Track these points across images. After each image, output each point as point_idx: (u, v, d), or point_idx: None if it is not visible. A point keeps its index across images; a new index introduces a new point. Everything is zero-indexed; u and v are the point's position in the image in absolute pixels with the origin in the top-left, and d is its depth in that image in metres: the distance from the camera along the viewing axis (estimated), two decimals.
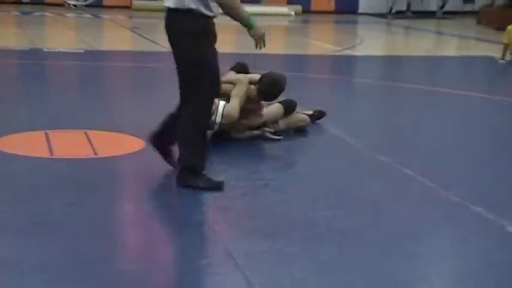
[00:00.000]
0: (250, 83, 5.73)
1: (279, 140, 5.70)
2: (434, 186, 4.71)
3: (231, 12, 4.36)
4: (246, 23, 4.40)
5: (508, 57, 11.15)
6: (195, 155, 4.44)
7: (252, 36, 4.44)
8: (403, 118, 7.01)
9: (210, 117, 4.80)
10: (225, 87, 5.40)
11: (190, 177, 4.44)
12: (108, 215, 4.11)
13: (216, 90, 4.52)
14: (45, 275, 3.23)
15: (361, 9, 19.91)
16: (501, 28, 13.43)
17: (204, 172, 4.50)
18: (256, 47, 4.46)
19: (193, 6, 4.32)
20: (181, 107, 4.53)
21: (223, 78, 5.49)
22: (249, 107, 5.68)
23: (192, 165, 4.45)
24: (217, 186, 4.46)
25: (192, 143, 4.45)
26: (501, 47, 11.44)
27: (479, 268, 3.58)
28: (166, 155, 4.78)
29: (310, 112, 6.20)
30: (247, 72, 5.99)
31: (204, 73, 4.37)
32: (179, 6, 4.34)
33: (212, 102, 4.57)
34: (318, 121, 6.22)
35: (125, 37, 14.05)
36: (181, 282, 3.34)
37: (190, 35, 4.35)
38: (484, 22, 17.20)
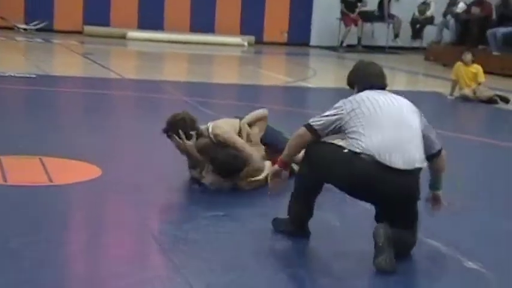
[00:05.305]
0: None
1: None
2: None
3: None
4: None
5: (456, 93, 11.42)
6: None
7: None
8: None
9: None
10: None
11: None
12: (62, 244, 4.02)
13: None
14: None
15: (312, 42, 20.16)
16: (448, 64, 13.79)
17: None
18: None
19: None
20: None
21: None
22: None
23: None
24: None
25: None
26: (449, 83, 11.73)
27: None
28: None
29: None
30: None
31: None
32: (423, 165, 4.15)
33: None
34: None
35: (77, 62, 13.91)
36: None
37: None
38: (431, 58, 17.59)
